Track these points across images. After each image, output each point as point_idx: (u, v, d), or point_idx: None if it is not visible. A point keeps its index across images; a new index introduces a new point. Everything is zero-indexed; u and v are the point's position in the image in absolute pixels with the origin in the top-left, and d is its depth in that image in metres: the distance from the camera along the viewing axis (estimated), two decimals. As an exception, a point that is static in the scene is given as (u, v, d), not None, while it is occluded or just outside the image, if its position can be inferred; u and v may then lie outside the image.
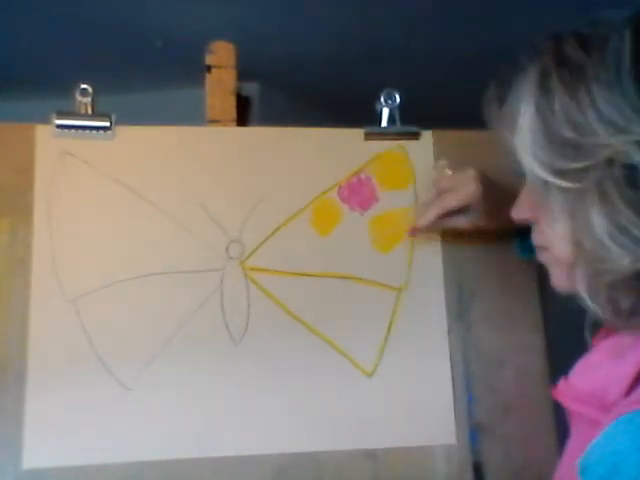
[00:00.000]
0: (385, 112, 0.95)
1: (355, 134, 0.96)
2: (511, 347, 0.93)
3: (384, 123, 0.96)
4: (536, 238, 0.69)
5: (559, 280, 0.67)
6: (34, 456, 0.81)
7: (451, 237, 0.94)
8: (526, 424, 0.89)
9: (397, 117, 0.95)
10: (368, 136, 0.96)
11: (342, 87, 2.29)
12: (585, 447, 0.56)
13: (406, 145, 0.96)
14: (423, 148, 0.96)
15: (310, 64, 2.23)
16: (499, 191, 0.85)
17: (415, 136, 0.96)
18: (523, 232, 0.88)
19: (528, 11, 1.85)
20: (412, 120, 0.97)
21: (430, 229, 0.91)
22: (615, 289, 0.58)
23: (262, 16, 1.94)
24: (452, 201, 0.86)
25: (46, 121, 0.88)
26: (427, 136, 0.97)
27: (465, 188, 0.85)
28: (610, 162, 0.55)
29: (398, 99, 0.95)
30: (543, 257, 0.69)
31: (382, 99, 0.95)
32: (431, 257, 0.94)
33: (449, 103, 2.13)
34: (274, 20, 1.98)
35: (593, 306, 0.59)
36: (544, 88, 0.58)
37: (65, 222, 0.87)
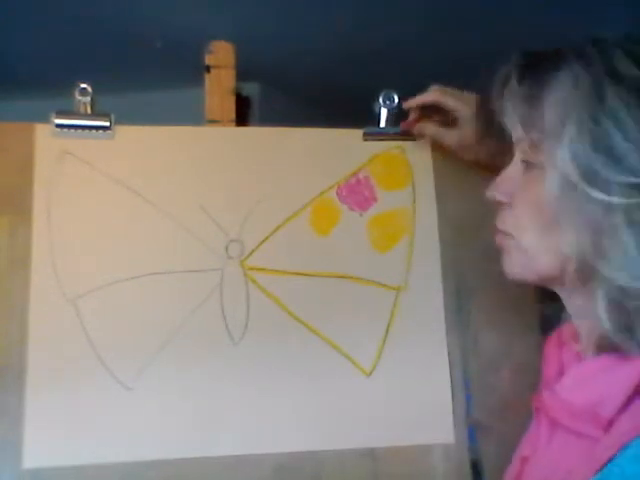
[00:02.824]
0: (384, 113, 0.95)
1: (354, 134, 0.96)
2: (509, 346, 0.93)
3: (383, 124, 0.96)
4: (504, 223, 0.67)
5: (515, 266, 0.67)
6: (34, 456, 0.81)
7: (450, 236, 0.94)
8: (524, 423, 0.89)
9: (395, 118, 0.96)
10: (367, 136, 0.96)
11: (342, 87, 2.29)
12: (572, 459, 0.57)
13: (404, 146, 0.96)
14: (421, 149, 0.97)
15: (310, 64, 2.23)
16: (493, 127, 0.86)
17: (413, 137, 0.97)
18: None
19: (528, 11, 1.85)
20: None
21: (418, 135, 0.92)
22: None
23: (262, 16, 1.94)
24: (444, 97, 0.87)
25: (45, 121, 0.89)
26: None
27: (466, 99, 0.86)
28: None
29: (397, 100, 0.95)
30: (504, 242, 0.68)
31: (380, 100, 0.95)
32: (430, 257, 0.94)
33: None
34: (274, 20, 1.98)
35: (607, 325, 0.58)
36: (599, 98, 0.56)
37: (65, 222, 0.87)
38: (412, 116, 0.93)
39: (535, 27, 1.85)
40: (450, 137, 0.89)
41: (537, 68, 0.62)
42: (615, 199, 0.55)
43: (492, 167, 0.89)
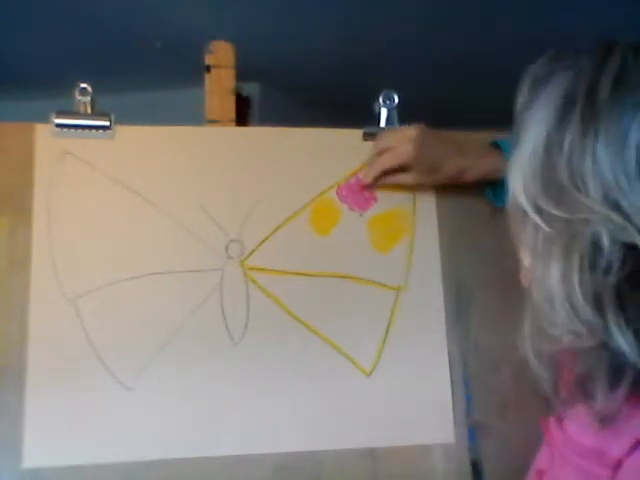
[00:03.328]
0: (384, 113, 0.95)
1: (354, 134, 0.96)
2: (509, 346, 0.92)
3: (382, 124, 0.96)
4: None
5: None
6: (34, 455, 0.81)
7: (450, 237, 0.94)
8: (524, 423, 0.89)
9: (395, 118, 0.96)
10: (367, 136, 0.96)
11: (342, 87, 2.29)
12: None
13: (405, 145, 0.96)
14: (422, 148, 0.97)
15: (310, 64, 2.23)
16: (441, 147, 0.88)
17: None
18: (494, 182, 0.90)
19: (529, 12, 1.85)
20: (410, 121, 0.97)
21: (380, 185, 0.93)
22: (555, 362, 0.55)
23: (262, 16, 1.95)
24: (387, 161, 0.90)
25: (45, 120, 0.89)
26: (425, 136, 0.97)
27: (400, 148, 0.88)
28: (585, 224, 0.50)
29: (396, 100, 0.95)
30: None
31: (381, 100, 0.95)
32: (430, 257, 0.94)
33: (448, 104, 2.13)
34: (274, 20, 1.98)
35: (533, 364, 0.56)
36: (563, 118, 0.52)
37: (65, 221, 0.87)
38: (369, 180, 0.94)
39: (535, 27, 1.86)
40: (404, 179, 0.92)
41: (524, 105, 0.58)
42: (548, 230, 0.53)
43: (463, 183, 0.91)
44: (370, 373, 0.90)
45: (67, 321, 0.84)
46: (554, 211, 0.52)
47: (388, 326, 0.91)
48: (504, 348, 0.93)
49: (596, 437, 0.57)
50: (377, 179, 0.92)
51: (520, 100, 0.58)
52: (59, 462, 0.81)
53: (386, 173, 0.91)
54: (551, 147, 0.52)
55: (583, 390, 0.53)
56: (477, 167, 0.89)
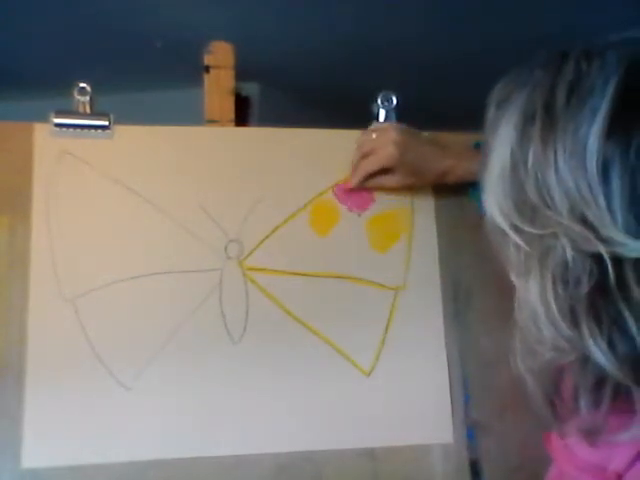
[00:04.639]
0: (382, 113, 0.95)
1: (353, 134, 0.96)
2: (508, 346, 0.93)
3: (382, 124, 0.96)
4: None
5: None
6: (34, 456, 0.81)
7: (448, 237, 0.94)
8: (522, 422, 0.89)
9: (394, 118, 0.95)
10: (366, 136, 0.96)
11: (342, 87, 2.29)
12: None
13: (404, 146, 0.96)
14: (421, 148, 0.96)
15: (310, 64, 2.23)
16: (424, 149, 0.89)
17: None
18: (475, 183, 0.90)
19: (529, 11, 1.85)
20: (410, 121, 0.97)
21: (365, 187, 0.93)
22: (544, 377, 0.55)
23: (262, 16, 1.94)
24: (371, 164, 0.90)
25: (45, 120, 0.89)
26: (424, 137, 0.97)
27: (383, 151, 0.89)
28: (555, 238, 0.50)
29: (395, 100, 0.95)
30: None
31: (379, 100, 0.95)
32: (428, 257, 0.94)
33: (447, 104, 2.13)
34: (274, 20, 1.98)
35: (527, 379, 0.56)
36: (524, 134, 0.51)
37: (64, 221, 0.87)
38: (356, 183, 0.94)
39: (535, 27, 1.86)
40: (388, 181, 0.92)
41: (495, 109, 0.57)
42: (527, 249, 0.53)
43: (445, 184, 0.92)
44: (369, 373, 0.90)
45: (66, 321, 0.84)
46: (529, 229, 0.52)
47: (387, 326, 0.91)
48: (503, 348, 0.93)
49: (596, 451, 0.56)
50: (362, 183, 0.92)
51: (486, 125, 0.57)
52: (58, 462, 0.81)
53: (370, 176, 0.92)
54: (517, 165, 0.52)
55: (573, 404, 0.53)
56: (460, 168, 0.89)
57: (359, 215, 0.94)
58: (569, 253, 0.49)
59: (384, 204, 0.94)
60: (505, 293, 0.93)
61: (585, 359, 0.51)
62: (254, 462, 0.85)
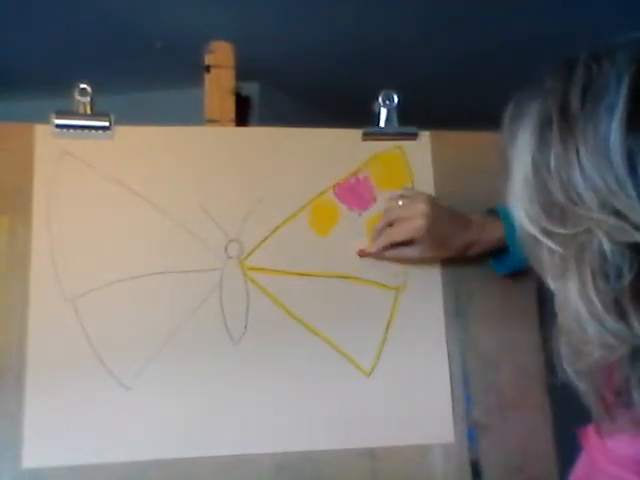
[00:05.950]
0: (383, 112, 0.95)
1: (353, 134, 0.96)
2: (508, 346, 0.93)
3: (382, 124, 0.96)
4: None
5: None
6: (34, 455, 0.81)
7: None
8: (523, 422, 0.89)
9: (395, 118, 0.96)
10: (366, 136, 0.96)
11: (341, 87, 2.29)
12: None
13: (404, 145, 0.96)
14: (421, 149, 0.97)
15: (310, 64, 2.23)
16: (450, 222, 0.88)
17: (413, 137, 0.97)
18: (496, 252, 0.90)
19: (528, 11, 1.85)
20: (410, 121, 0.97)
21: (381, 255, 0.92)
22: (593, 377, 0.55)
23: (262, 16, 1.94)
24: (397, 234, 0.89)
25: (45, 121, 0.89)
26: (425, 137, 0.98)
27: (412, 222, 0.87)
28: (589, 234, 0.51)
29: (396, 100, 0.95)
30: None
31: (380, 100, 0.95)
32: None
33: (447, 104, 2.13)
34: (274, 20, 1.98)
35: (577, 381, 0.56)
36: (543, 140, 0.53)
37: (64, 222, 0.87)
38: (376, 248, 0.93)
39: (535, 27, 1.86)
40: (411, 253, 0.90)
41: (511, 120, 0.58)
42: (562, 250, 0.53)
43: (466, 256, 0.91)
44: (370, 373, 0.90)
45: (66, 321, 0.84)
46: (561, 230, 0.53)
47: (387, 326, 0.91)
48: (503, 348, 0.93)
49: (634, 446, 0.56)
50: (383, 250, 0.91)
51: (503, 141, 0.58)
52: (59, 462, 0.81)
53: (392, 245, 0.90)
54: (539, 169, 0.53)
55: (623, 399, 0.53)
56: (482, 241, 0.89)
57: (359, 215, 0.94)
58: (606, 246, 0.49)
59: (384, 204, 0.94)
60: (506, 293, 0.94)
61: (635, 351, 0.51)
62: (254, 462, 0.85)
